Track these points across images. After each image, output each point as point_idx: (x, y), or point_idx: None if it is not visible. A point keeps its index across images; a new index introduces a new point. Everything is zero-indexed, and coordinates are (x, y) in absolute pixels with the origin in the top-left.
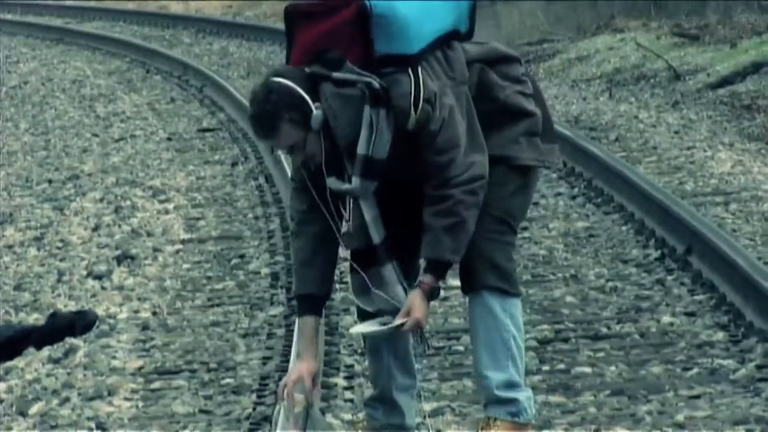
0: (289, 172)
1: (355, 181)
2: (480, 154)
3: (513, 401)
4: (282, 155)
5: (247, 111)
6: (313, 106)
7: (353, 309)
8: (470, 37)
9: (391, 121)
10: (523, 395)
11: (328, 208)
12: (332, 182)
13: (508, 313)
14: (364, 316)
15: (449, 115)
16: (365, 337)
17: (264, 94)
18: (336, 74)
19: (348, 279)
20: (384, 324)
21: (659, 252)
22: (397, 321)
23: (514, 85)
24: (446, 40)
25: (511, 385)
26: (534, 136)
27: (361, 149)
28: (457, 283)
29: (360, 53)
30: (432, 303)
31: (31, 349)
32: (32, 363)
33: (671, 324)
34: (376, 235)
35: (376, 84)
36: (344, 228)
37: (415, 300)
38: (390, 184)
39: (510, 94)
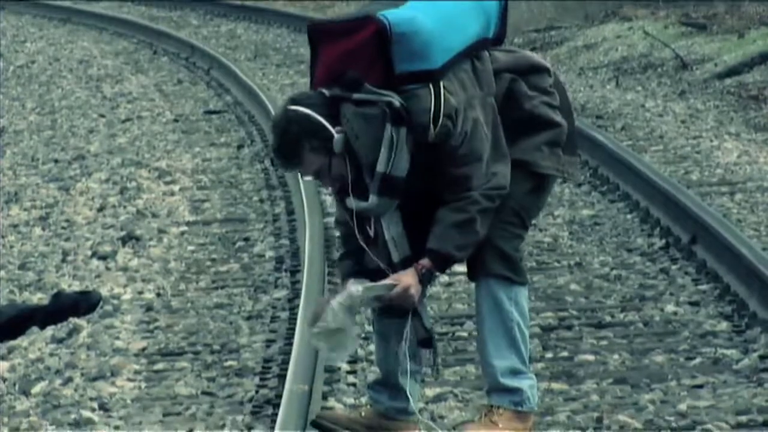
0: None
1: (372, 198)
2: (503, 165)
3: (516, 390)
4: (309, 180)
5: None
6: (333, 131)
7: None
8: (501, 41)
9: (411, 137)
10: (527, 383)
11: (358, 228)
12: (352, 202)
13: (513, 301)
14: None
15: (473, 128)
16: (374, 319)
17: (283, 125)
18: (356, 95)
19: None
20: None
21: (664, 241)
22: (386, 281)
23: (542, 96)
24: (473, 50)
25: (515, 373)
26: (556, 147)
27: (380, 167)
28: (461, 269)
29: (380, 73)
30: (436, 289)
31: (35, 329)
32: (36, 342)
33: (675, 313)
34: (396, 254)
35: (396, 102)
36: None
37: (405, 275)
38: (411, 197)
39: (537, 104)
